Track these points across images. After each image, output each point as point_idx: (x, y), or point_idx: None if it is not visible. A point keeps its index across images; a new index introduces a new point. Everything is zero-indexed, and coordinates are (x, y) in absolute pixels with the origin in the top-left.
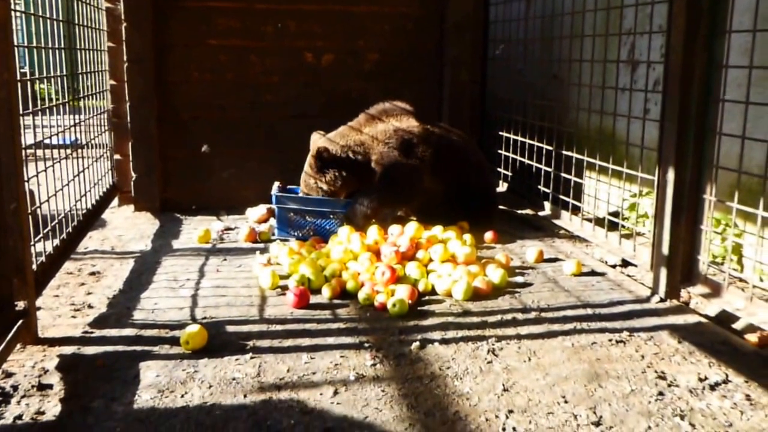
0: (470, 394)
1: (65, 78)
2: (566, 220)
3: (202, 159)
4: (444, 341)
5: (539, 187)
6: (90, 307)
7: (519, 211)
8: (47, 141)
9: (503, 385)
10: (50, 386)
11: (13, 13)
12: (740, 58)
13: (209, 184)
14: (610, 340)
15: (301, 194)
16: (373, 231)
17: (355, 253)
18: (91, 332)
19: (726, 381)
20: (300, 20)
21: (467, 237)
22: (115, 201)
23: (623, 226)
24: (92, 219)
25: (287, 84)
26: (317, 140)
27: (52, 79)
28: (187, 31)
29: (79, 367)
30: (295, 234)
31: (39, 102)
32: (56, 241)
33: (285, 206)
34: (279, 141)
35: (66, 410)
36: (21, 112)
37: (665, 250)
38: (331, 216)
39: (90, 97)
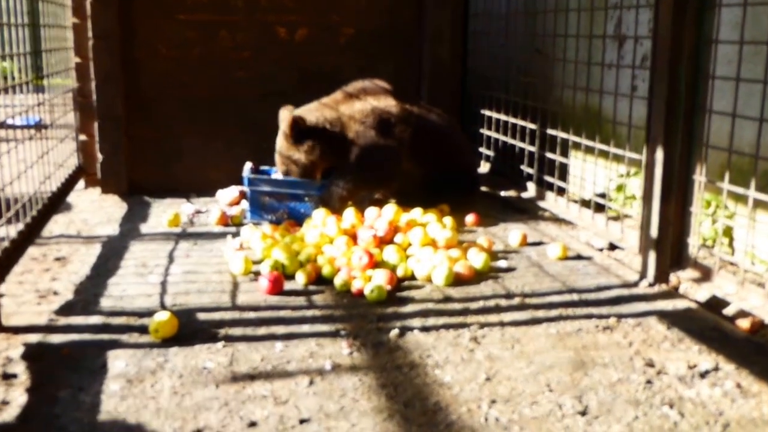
0: (451, 384)
1: (28, 56)
2: (551, 202)
3: (170, 139)
4: (424, 329)
5: (523, 167)
6: (55, 293)
7: (502, 193)
8: (10, 121)
9: (486, 374)
10: (15, 376)
11: None
12: (731, 32)
13: (178, 165)
14: (597, 327)
15: (275, 174)
16: (350, 214)
17: (330, 237)
18: (57, 320)
19: (716, 368)
20: None
21: (448, 220)
22: (81, 183)
23: (610, 208)
24: (57, 202)
25: (259, 60)
26: (288, 114)
27: (15, 57)
28: (154, 5)
29: (44, 356)
30: (269, 217)
31: (2, 81)
32: (20, 226)
33: (257, 188)
34: (251, 119)
35: (32, 400)
36: None
37: (654, 232)
38: (306, 198)
39: (54, 75)
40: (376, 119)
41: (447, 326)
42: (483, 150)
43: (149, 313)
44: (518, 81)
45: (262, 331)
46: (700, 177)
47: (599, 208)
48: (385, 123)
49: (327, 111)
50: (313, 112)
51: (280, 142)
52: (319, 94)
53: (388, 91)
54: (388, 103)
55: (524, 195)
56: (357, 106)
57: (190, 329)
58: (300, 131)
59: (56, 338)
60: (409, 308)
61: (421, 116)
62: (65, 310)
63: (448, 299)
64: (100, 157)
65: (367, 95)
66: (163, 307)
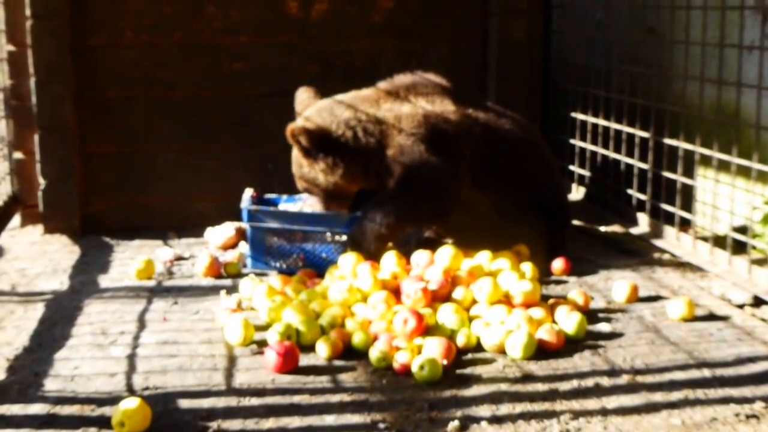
0: None
1: None
2: (671, 240)
3: (140, 158)
4: (495, 420)
5: (630, 192)
6: None
7: (602, 228)
8: None
9: None
10: None
11: None
12: None
13: (151, 193)
14: (738, 415)
15: (287, 205)
16: (391, 260)
17: (364, 293)
18: None
19: None
20: None
21: (527, 267)
22: (16, 219)
23: (755, 248)
24: None
25: (262, 47)
26: (304, 103)
27: None
28: None
29: None
30: (277, 265)
31: None
32: None
33: (262, 225)
34: (251, 130)
35: None
36: None
37: None
38: (329, 238)
39: None
40: (428, 129)
41: (527, 416)
42: (574, 168)
43: (112, 400)
44: (623, 71)
45: (270, 423)
46: None
47: (739, 247)
48: (441, 135)
49: (361, 111)
50: (338, 111)
51: (294, 154)
52: (347, 91)
53: (445, 90)
54: (446, 108)
55: (633, 231)
56: (404, 110)
57: (169, 422)
58: (313, 142)
59: None
60: (474, 391)
61: (490, 125)
62: None
63: (528, 378)
64: (42, 182)
65: (417, 95)
66: (130, 391)
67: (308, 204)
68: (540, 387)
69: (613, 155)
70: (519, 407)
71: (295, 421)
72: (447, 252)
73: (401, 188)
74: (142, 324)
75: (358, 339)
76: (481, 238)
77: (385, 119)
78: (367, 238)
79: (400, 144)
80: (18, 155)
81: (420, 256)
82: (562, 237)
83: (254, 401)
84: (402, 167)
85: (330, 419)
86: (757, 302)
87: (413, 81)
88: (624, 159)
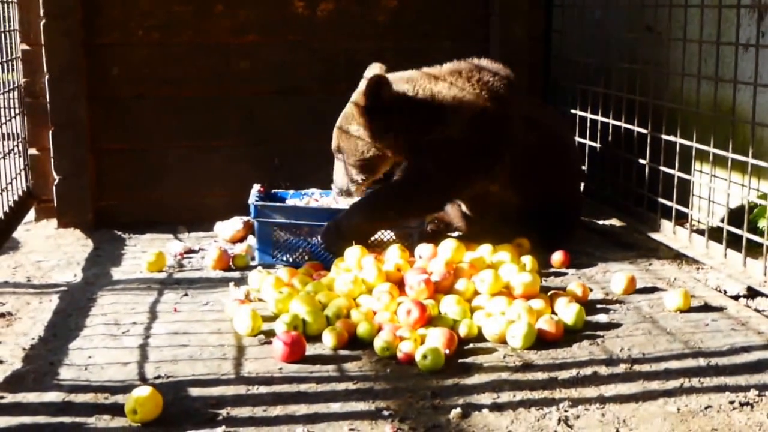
0: None
1: None
2: (668, 233)
3: (151, 154)
4: (496, 407)
5: (629, 186)
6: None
7: (600, 222)
8: None
9: None
10: None
11: None
12: None
13: (162, 188)
14: (732, 403)
15: (294, 200)
16: (395, 252)
17: (368, 284)
18: (2, 397)
19: None
20: None
21: (527, 260)
22: (31, 214)
23: (750, 241)
24: None
25: (269, 46)
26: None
27: None
28: None
29: None
30: (284, 258)
31: None
32: None
33: (269, 219)
34: (258, 126)
35: None
36: None
37: None
38: None
39: None
40: (480, 126)
41: (527, 403)
42: None
43: (124, 388)
44: (622, 69)
45: (277, 411)
46: None
47: (735, 240)
48: (490, 134)
49: (422, 85)
50: (405, 80)
51: (347, 110)
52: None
53: (511, 85)
54: (505, 105)
55: (631, 224)
56: (465, 98)
57: (180, 409)
58: (388, 97)
59: (0, 421)
60: (476, 379)
61: (542, 130)
62: (12, 383)
63: (528, 367)
64: (56, 177)
65: (482, 84)
66: (142, 379)
67: (314, 198)
68: (539, 375)
69: (611, 150)
70: (519, 395)
71: (302, 409)
72: (449, 245)
73: (398, 182)
74: (153, 315)
75: (362, 329)
76: (486, 230)
77: (443, 101)
78: (331, 236)
79: (447, 132)
80: (33, 151)
81: (423, 248)
82: (570, 233)
83: (262, 389)
84: (429, 153)
85: (336, 407)
86: (752, 293)
87: (479, 67)
88: (622, 154)
